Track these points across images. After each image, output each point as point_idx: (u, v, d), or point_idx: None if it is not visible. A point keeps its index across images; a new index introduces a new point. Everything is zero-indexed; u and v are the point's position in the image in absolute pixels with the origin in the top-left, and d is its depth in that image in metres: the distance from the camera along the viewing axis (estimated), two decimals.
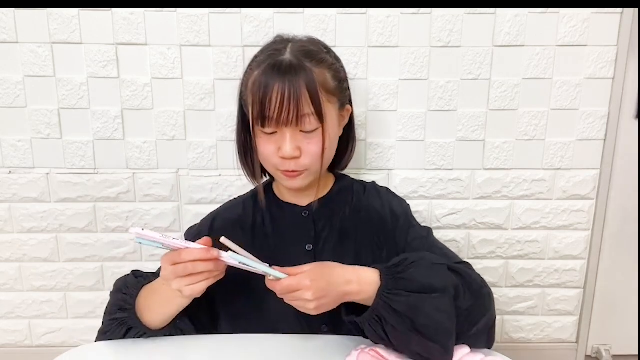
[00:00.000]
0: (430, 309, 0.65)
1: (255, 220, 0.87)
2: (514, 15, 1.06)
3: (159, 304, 0.74)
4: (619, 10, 1.06)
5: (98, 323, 1.21)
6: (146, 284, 0.77)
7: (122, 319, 0.76)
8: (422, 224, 0.88)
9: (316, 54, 0.76)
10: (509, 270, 1.22)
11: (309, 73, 0.72)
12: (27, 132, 1.10)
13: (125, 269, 1.19)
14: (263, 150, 0.77)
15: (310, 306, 0.66)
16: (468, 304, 0.69)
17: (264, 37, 1.05)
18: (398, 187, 1.15)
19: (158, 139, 1.12)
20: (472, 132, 1.13)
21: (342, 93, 0.80)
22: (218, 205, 1.14)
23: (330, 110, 0.77)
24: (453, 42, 1.07)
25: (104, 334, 0.78)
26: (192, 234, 0.89)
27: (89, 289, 1.20)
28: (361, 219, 0.85)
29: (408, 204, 0.92)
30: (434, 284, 0.67)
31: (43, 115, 1.09)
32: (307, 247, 0.83)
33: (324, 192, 0.88)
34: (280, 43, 0.78)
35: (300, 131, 0.74)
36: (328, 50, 0.82)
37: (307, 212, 0.85)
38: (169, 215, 1.16)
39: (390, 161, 1.14)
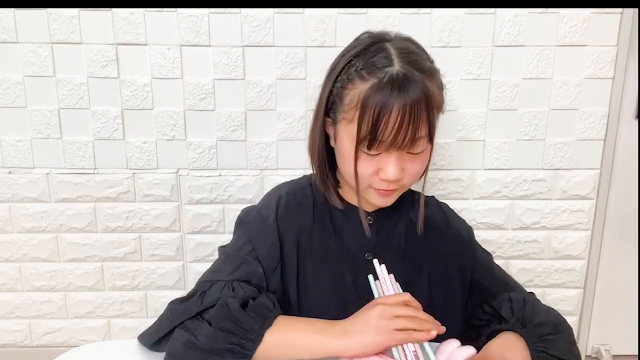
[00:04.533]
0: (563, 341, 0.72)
1: (314, 213, 0.80)
2: (514, 15, 1.06)
3: (300, 352, 0.65)
4: (619, 10, 1.06)
5: (98, 323, 1.23)
6: (269, 325, 0.66)
7: None
8: None
9: (423, 61, 0.68)
10: (509, 270, 1.22)
11: (425, 89, 0.64)
12: (27, 132, 1.10)
13: (125, 269, 1.19)
14: (361, 171, 0.69)
15: None
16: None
17: (264, 37, 1.06)
18: None
19: (158, 139, 1.12)
20: (472, 132, 1.13)
21: (443, 104, 0.72)
22: (218, 205, 1.15)
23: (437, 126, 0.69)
24: (453, 42, 1.07)
25: None
26: (255, 215, 0.80)
27: (89, 289, 1.20)
28: (424, 232, 0.80)
29: (471, 227, 0.87)
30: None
31: (43, 115, 1.09)
32: (366, 255, 0.78)
33: None
34: (377, 45, 0.69)
35: (407, 152, 0.68)
36: (425, 52, 0.72)
37: (371, 219, 0.79)
38: (169, 215, 1.16)
39: None
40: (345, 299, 0.77)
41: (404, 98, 0.63)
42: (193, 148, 1.12)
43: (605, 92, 1.11)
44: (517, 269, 1.22)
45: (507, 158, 1.14)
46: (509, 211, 1.18)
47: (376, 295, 0.70)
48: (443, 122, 1.11)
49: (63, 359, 0.71)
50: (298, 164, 1.13)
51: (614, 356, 1.29)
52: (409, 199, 0.83)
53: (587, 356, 1.30)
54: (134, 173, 1.13)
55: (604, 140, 1.14)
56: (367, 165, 0.69)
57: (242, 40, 1.06)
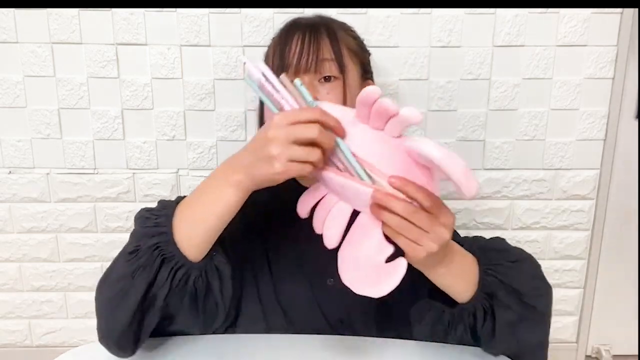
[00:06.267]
0: (526, 275, 0.66)
1: (273, 205, 0.78)
2: (514, 15, 1.06)
3: (205, 206, 0.61)
4: (619, 10, 1.06)
5: None
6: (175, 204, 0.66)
7: (156, 245, 0.64)
8: None
9: (341, 23, 0.79)
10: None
11: (327, 24, 0.75)
12: (27, 132, 1.10)
13: None
14: None
15: (434, 244, 0.53)
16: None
17: (264, 37, 1.06)
18: None
19: (158, 139, 1.12)
20: (472, 132, 1.13)
21: (364, 59, 0.79)
22: None
23: (352, 68, 0.75)
24: (453, 42, 1.07)
25: (137, 267, 0.65)
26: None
27: (89, 289, 1.20)
28: None
29: None
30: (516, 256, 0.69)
31: (43, 115, 1.09)
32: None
33: None
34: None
35: (319, 81, 0.72)
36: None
37: None
38: None
39: None
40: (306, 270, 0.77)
41: (305, 26, 0.73)
42: (193, 148, 1.12)
43: (605, 92, 1.11)
44: None
45: (507, 158, 1.14)
46: (509, 211, 1.18)
47: (274, 110, 0.58)
48: (443, 122, 1.12)
49: (63, 359, 0.71)
50: None
51: (614, 356, 1.29)
52: None
53: (587, 356, 1.30)
54: (134, 173, 1.13)
55: (604, 140, 1.14)
56: None
57: (242, 40, 1.06)
